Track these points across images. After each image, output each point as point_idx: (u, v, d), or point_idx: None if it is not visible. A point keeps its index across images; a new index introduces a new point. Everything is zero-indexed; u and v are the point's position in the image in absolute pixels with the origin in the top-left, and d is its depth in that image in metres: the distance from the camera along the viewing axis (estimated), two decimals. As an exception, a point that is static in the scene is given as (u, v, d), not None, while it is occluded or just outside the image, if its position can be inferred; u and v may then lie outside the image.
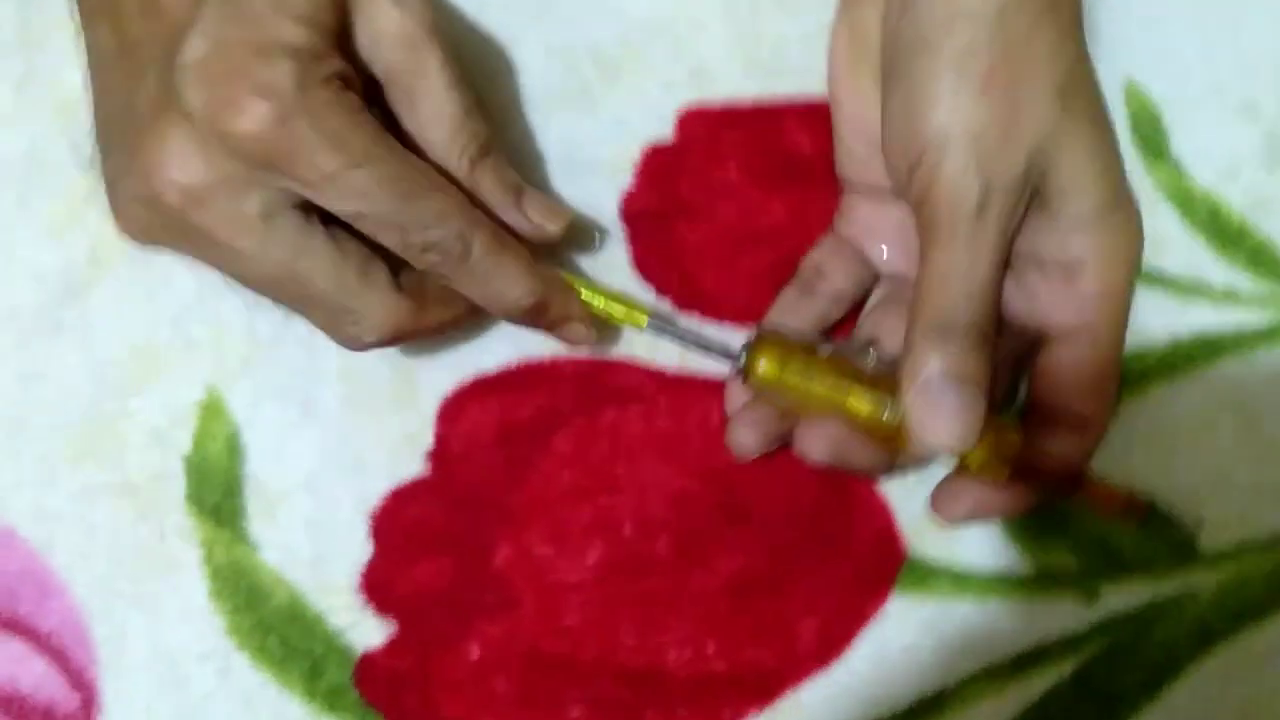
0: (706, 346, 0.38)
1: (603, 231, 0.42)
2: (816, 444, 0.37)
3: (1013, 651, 0.40)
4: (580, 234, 0.42)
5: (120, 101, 0.34)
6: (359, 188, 0.33)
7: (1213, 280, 0.42)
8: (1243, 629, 0.40)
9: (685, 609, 0.40)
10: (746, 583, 0.40)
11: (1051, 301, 0.37)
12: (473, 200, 0.36)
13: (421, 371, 0.41)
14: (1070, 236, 0.36)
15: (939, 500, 0.38)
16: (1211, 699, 0.39)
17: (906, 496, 0.41)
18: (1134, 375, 0.41)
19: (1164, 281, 0.42)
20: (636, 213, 0.43)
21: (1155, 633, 0.40)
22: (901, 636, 0.40)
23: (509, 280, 0.36)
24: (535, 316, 0.37)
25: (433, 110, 0.35)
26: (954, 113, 0.34)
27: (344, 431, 0.40)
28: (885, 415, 0.36)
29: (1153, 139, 0.43)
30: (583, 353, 0.41)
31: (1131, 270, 0.37)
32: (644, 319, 0.38)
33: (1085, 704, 0.39)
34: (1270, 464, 0.41)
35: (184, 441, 0.39)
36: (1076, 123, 0.35)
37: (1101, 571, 0.40)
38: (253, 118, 0.31)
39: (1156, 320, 0.42)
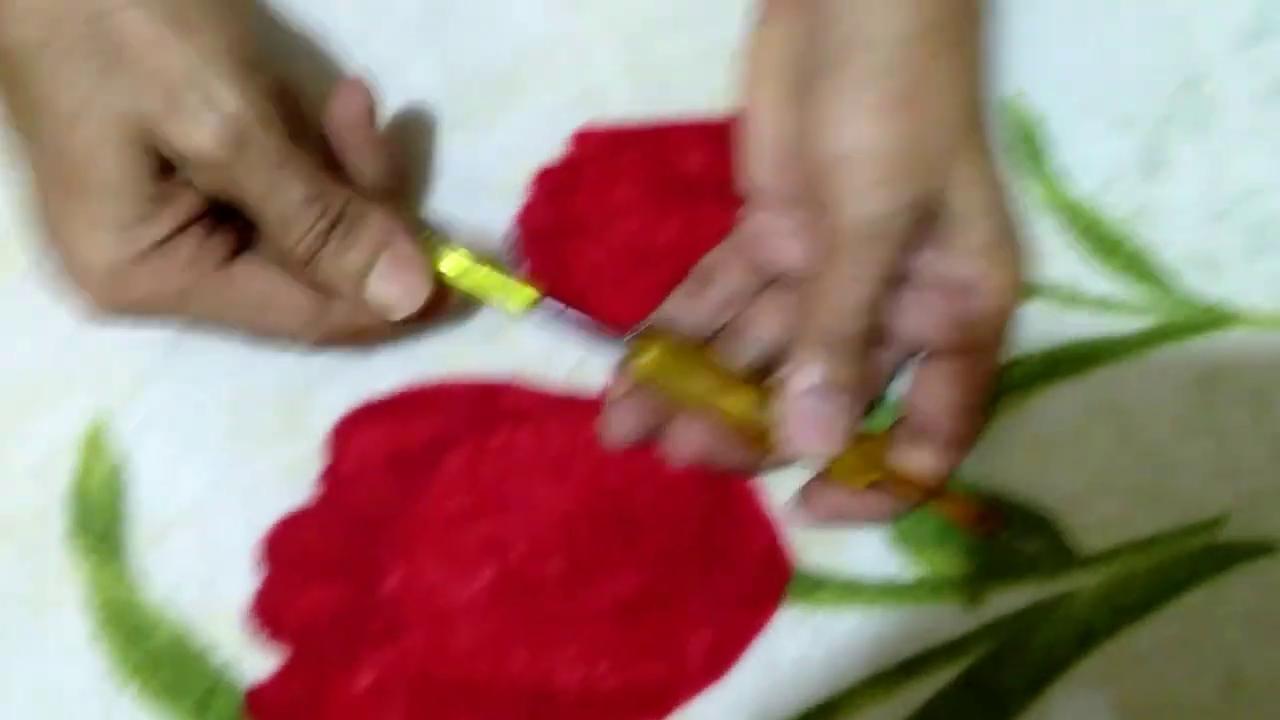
0: (593, 335, 0.39)
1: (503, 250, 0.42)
2: (685, 444, 0.38)
3: (900, 657, 0.40)
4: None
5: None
6: (210, 326, 0.38)
7: (1090, 288, 0.43)
8: (1122, 628, 0.41)
9: (576, 628, 0.40)
10: (637, 600, 0.40)
11: (937, 320, 0.38)
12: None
13: (311, 397, 0.41)
14: (963, 261, 0.38)
15: (801, 502, 0.40)
16: (1093, 697, 0.40)
17: (793, 509, 0.41)
18: (1013, 382, 0.42)
19: (1043, 290, 0.43)
20: (530, 232, 0.43)
21: (1038, 634, 0.41)
22: (791, 648, 0.40)
23: (378, 343, 0.39)
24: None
25: (258, 221, 0.36)
26: (853, 133, 0.35)
27: (231, 459, 0.40)
28: (757, 417, 0.37)
29: (1033, 151, 0.44)
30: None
31: (1017, 297, 0.39)
32: (531, 300, 0.38)
33: (972, 706, 0.40)
34: (1146, 468, 0.42)
35: (64, 477, 0.39)
36: (974, 153, 0.37)
37: (986, 576, 0.41)
38: (90, 293, 0.35)
39: (1035, 328, 0.43)
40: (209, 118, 0.33)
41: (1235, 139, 0.43)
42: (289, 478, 0.40)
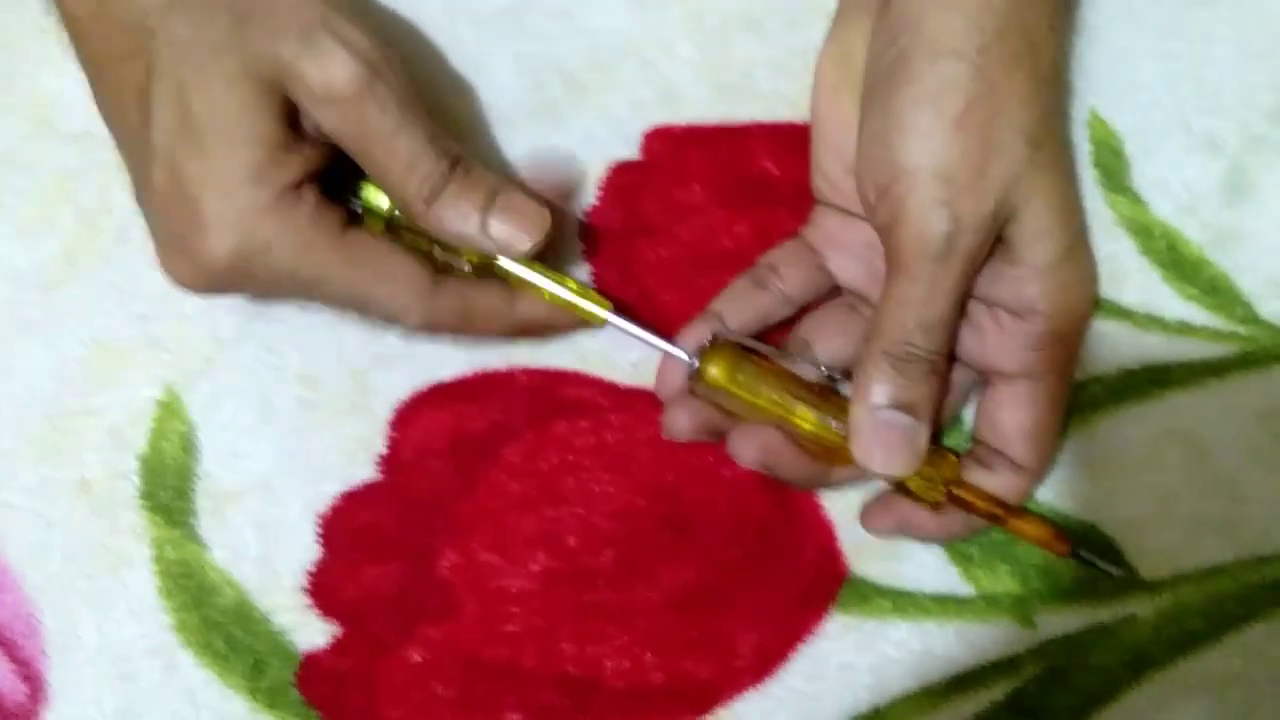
0: (660, 345, 0.39)
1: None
2: (749, 449, 0.38)
3: (949, 673, 0.40)
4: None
5: (136, 175, 0.37)
6: (319, 297, 0.37)
7: (1167, 312, 0.42)
8: (1178, 658, 0.40)
9: (626, 620, 0.40)
10: (687, 596, 0.41)
11: (1000, 345, 0.38)
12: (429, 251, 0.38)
13: (378, 377, 0.42)
14: (1027, 283, 0.37)
15: (868, 511, 0.40)
16: (1144, 727, 0.40)
17: (850, 516, 0.41)
18: (1083, 403, 0.42)
19: (1119, 311, 0.42)
20: (599, 228, 0.43)
21: (1092, 658, 0.40)
22: (839, 654, 0.40)
23: (482, 337, 0.39)
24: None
25: (380, 163, 0.36)
26: (926, 147, 0.35)
27: (299, 434, 0.41)
28: (829, 431, 0.37)
29: (1114, 170, 0.43)
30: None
31: (1082, 322, 0.39)
32: (605, 311, 0.39)
33: (1019, 727, 0.40)
34: (1213, 497, 0.41)
35: (140, 440, 0.40)
36: (1045, 170, 0.36)
37: (1042, 596, 0.41)
38: (214, 254, 0.35)
39: (1109, 350, 0.42)
40: (343, 54, 0.34)
41: (1325, 166, 0.42)
42: (352, 455, 0.41)
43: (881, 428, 0.36)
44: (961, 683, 0.40)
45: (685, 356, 0.38)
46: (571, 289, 0.39)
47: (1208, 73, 0.43)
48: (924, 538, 0.40)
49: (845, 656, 0.40)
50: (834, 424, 0.37)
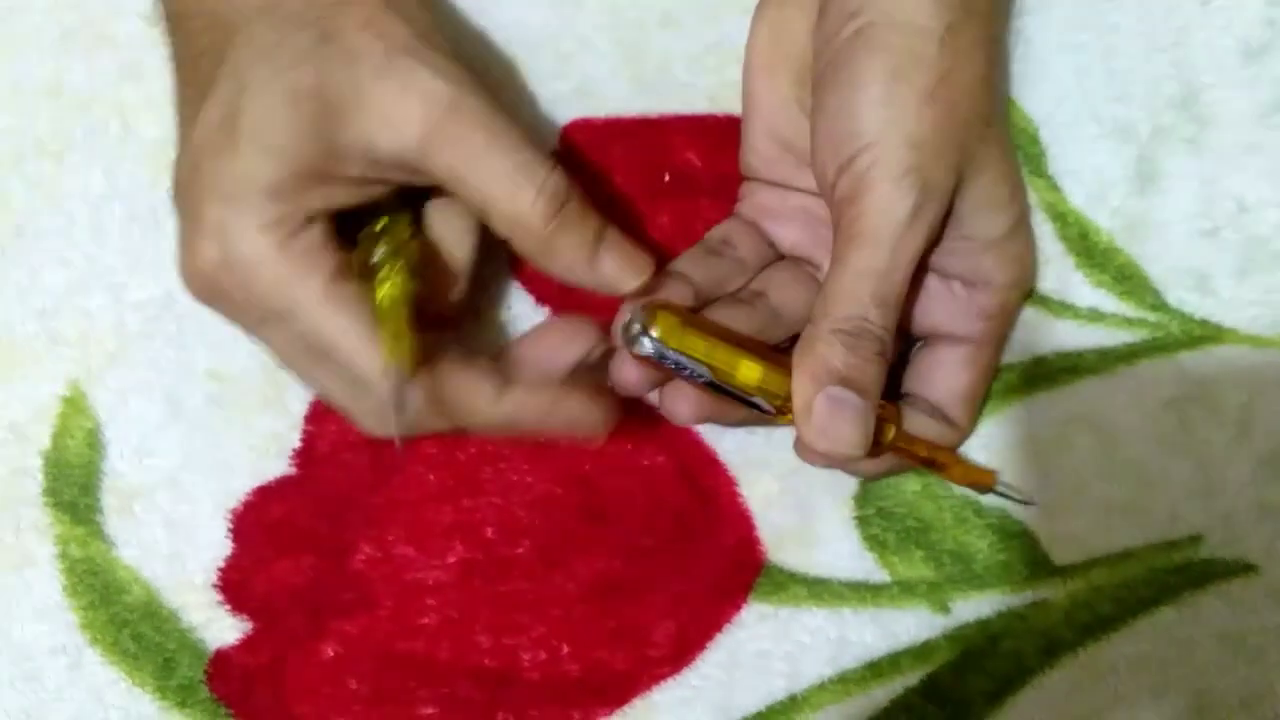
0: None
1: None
2: (685, 403, 0.37)
3: (864, 659, 0.40)
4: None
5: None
6: (274, 344, 0.34)
7: (1079, 298, 0.43)
8: (1089, 642, 0.40)
9: (542, 611, 0.40)
10: (605, 586, 0.41)
11: (951, 312, 0.39)
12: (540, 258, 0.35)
13: (291, 371, 0.41)
14: (982, 255, 0.38)
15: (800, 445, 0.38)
16: (1055, 709, 0.40)
17: (768, 504, 0.41)
18: (997, 390, 0.42)
19: (1035, 298, 0.43)
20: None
21: (1004, 643, 0.40)
22: (755, 642, 0.40)
23: (457, 423, 0.35)
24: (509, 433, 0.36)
25: (479, 186, 0.34)
26: (897, 118, 0.35)
27: (208, 430, 0.40)
28: (769, 388, 0.36)
29: (1033, 156, 0.43)
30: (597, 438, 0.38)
31: (1024, 294, 0.40)
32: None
33: (933, 711, 0.40)
34: (1122, 482, 0.41)
35: (43, 437, 0.40)
36: (997, 146, 0.37)
37: (956, 582, 0.41)
38: (201, 258, 0.33)
39: (1024, 336, 0.42)
40: (426, 73, 0.33)
41: (1230, 155, 0.43)
42: (265, 450, 0.40)
43: (832, 407, 0.35)
44: (877, 669, 0.40)
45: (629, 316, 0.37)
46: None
47: (1115, 63, 0.43)
48: (854, 473, 0.40)
49: (761, 644, 0.40)
50: (775, 379, 0.36)
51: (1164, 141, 0.43)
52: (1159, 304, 0.42)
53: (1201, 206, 0.43)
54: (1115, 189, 0.43)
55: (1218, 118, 0.43)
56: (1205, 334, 0.42)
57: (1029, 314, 0.42)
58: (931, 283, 0.39)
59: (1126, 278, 0.43)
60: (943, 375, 0.39)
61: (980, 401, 0.40)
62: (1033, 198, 0.43)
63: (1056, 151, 0.43)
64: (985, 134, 0.36)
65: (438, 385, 0.34)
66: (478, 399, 0.34)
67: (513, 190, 0.33)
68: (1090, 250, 0.43)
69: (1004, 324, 0.40)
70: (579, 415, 0.36)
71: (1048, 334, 0.43)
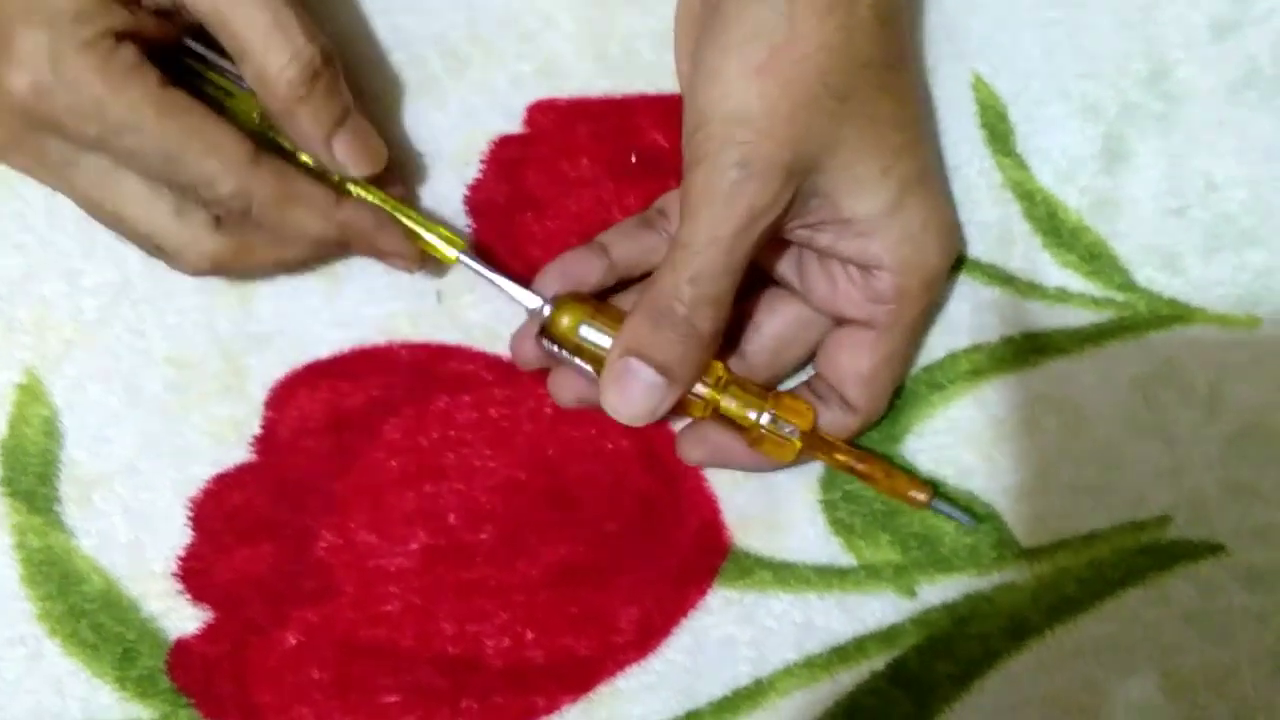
0: (516, 291, 0.39)
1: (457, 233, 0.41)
2: (568, 388, 0.39)
3: (830, 644, 0.40)
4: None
5: None
6: (126, 150, 0.34)
7: (1048, 279, 0.42)
8: (1056, 624, 0.40)
9: (506, 598, 0.40)
10: (569, 572, 0.40)
11: (849, 295, 0.38)
12: (271, 141, 0.37)
13: (251, 358, 0.41)
14: (862, 238, 0.37)
15: (682, 441, 0.40)
16: (1022, 692, 0.40)
17: (734, 488, 0.41)
18: (966, 370, 0.42)
19: (1002, 278, 0.42)
20: (482, 203, 0.42)
21: (971, 626, 0.40)
22: (720, 628, 0.40)
23: (299, 227, 0.37)
24: (341, 249, 0.39)
25: (245, 45, 0.35)
26: (727, 93, 0.34)
27: (167, 417, 0.40)
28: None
29: (1001, 133, 0.43)
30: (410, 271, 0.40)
31: (933, 278, 0.38)
32: (457, 250, 0.39)
33: (901, 695, 0.40)
34: (1090, 464, 0.41)
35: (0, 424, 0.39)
36: (853, 121, 0.35)
37: (923, 565, 0.41)
38: (15, 86, 0.33)
39: (993, 316, 0.42)
40: None
41: (1199, 133, 0.42)
42: (224, 437, 0.40)
43: (626, 375, 0.36)
44: (843, 653, 0.40)
45: (538, 303, 0.38)
46: (421, 222, 0.39)
47: (1084, 40, 0.43)
48: (739, 467, 0.40)
49: (727, 630, 0.40)
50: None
51: (1133, 119, 0.43)
52: (1127, 283, 0.42)
53: (1170, 185, 0.42)
54: (1083, 167, 0.43)
55: (1187, 95, 0.43)
56: (1173, 313, 0.42)
57: (997, 295, 0.42)
58: (832, 267, 0.38)
59: (1094, 257, 0.42)
60: (845, 358, 0.39)
61: (887, 387, 0.39)
62: (1000, 176, 0.43)
63: (1025, 130, 0.43)
64: (839, 110, 0.35)
65: (285, 182, 0.36)
66: (319, 200, 0.37)
67: (267, 47, 0.35)
68: (1058, 229, 0.42)
69: (906, 309, 0.38)
70: (400, 244, 0.38)
71: (1015, 315, 0.42)
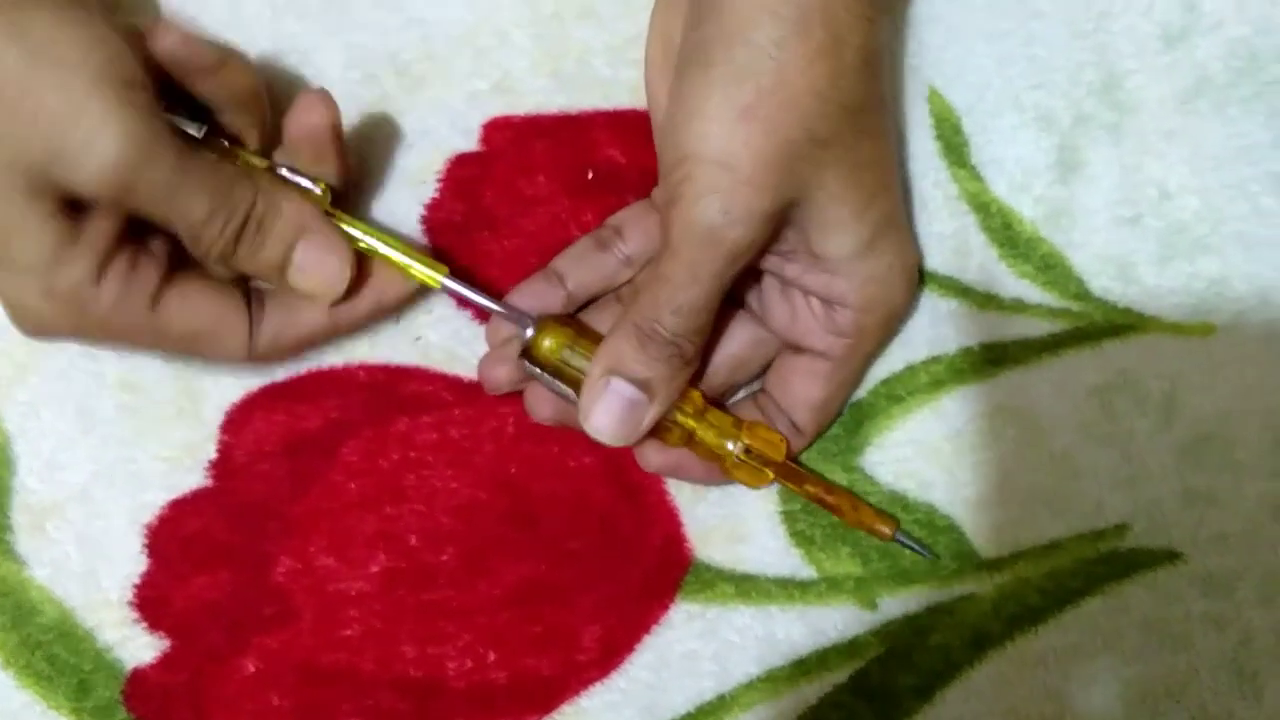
0: (500, 314, 0.39)
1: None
2: (544, 404, 0.39)
3: (792, 657, 0.40)
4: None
5: None
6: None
7: (1004, 290, 0.43)
8: (1017, 634, 0.40)
9: (468, 619, 0.40)
10: (531, 591, 0.40)
11: (809, 326, 0.39)
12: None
13: (206, 381, 0.40)
14: (830, 274, 0.37)
15: (641, 452, 0.40)
16: (984, 702, 0.40)
17: (696, 500, 0.41)
18: (924, 383, 0.42)
19: (959, 290, 0.42)
20: (440, 222, 0.42)
21: (932, 637, 0.40)
22: (683, 643, 0.40)
23: (307, 348, 0.39)
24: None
25: (174, 227, 0.35)
26: (709, 134, 0.34)
27: (121, 442, 0.40)
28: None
29: (955, 146, 0.43)
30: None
31: (893, 315, 0.39)
32: (441, 275, 0.38)
33: (863, 707, 0.40)
34: (1048, 473, 0.41)
35: (-51, 454, 0.39)
36: (833, 166, 0.35)
37: (883, 577, 0.41)
38: (24, 332, 0.35)
39: (950, 328, 0.42)
40: (93, 161, 0.32)
41: (1151, 142, 0.43)
42: (179, 462, 0.40)
43: (608, 394, 0.36)
44: (805, 666, 0.40)
45: (521, 327, 0.38)
46: (405, 252, 0.39)
47: (1037, 51, 0.43)
48: (697, 481, 0.41)
49: (689, 645, 0.40)
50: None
51: (1085, 129, 0.43)
52: (1082, 293, 0.42)
53: (1123, 194, 0.43)
54: (1038, 178, 0.43)
55: (1138, 104, 0.43)
56: (1128, 322, 0.42)
57: (954, 306, 0.42)
58: (795, 297, 0.39)
59: (1050, 267, 0.42)
60: (798, 384, 0.39)
61: (835, 413, 0.41)
62: (956, 189, 0.43)
63: (979, 141, 0.43)
64: (820, 156, 0.35)
65: (287, 336, 0.38)
66: (320, 326, 0.38)
67: (192, 244, 0.36)
68: (1014, 240, 0.43)
69: (864, 344, 0.39)
70: (400, 295, 0.40)
71: (973, 326, 0.42)
